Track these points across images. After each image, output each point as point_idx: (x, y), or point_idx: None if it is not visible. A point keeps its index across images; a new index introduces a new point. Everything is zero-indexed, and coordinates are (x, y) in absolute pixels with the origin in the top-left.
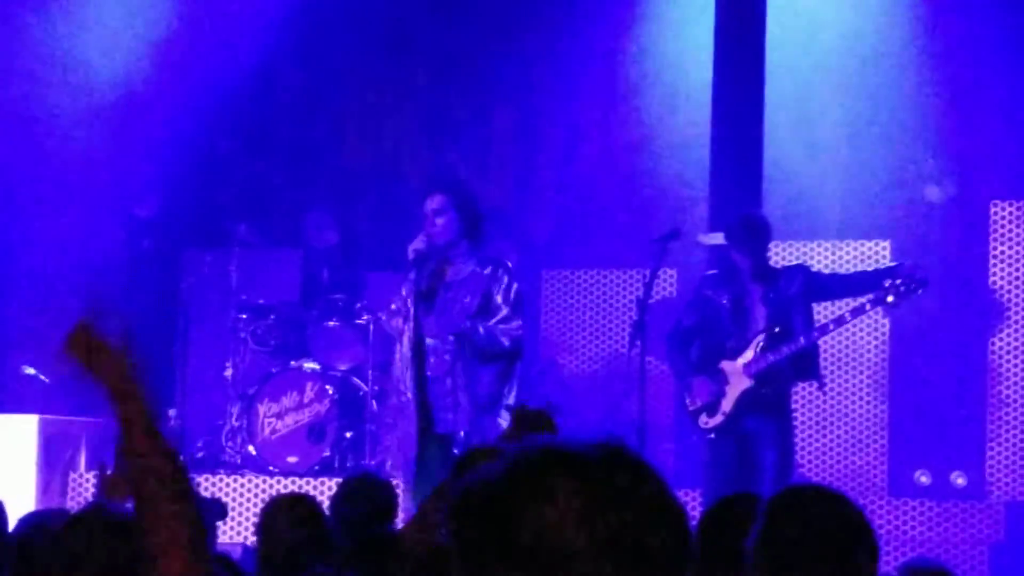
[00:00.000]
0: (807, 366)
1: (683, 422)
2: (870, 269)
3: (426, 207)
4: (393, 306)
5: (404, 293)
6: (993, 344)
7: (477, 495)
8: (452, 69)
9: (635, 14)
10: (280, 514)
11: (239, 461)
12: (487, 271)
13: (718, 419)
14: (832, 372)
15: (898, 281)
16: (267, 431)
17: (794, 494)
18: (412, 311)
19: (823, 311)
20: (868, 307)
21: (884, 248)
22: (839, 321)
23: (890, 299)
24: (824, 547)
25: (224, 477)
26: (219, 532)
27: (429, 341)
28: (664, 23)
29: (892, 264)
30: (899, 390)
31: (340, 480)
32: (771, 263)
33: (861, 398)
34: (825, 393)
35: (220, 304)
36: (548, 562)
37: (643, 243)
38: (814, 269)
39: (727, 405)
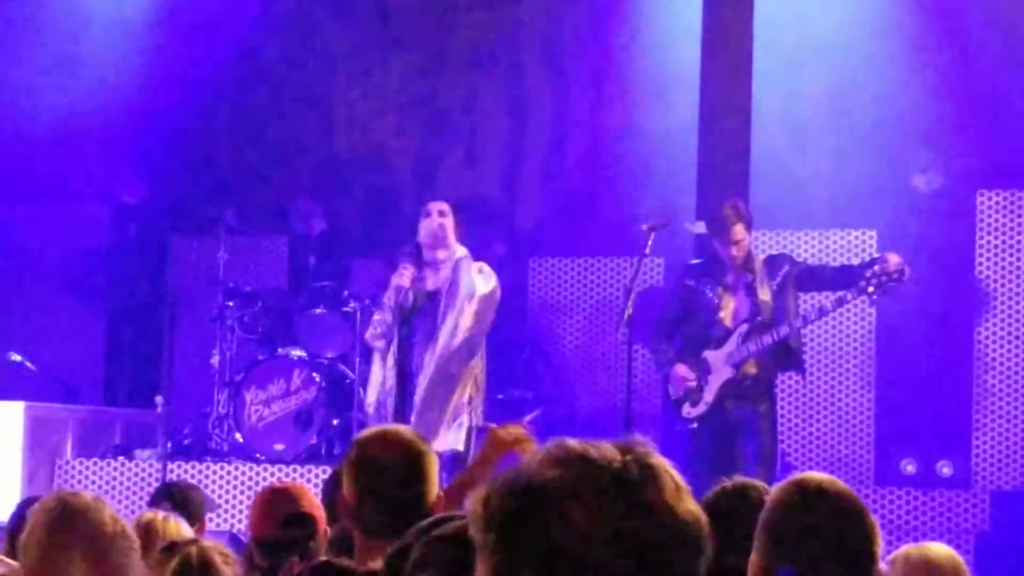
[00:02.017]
0: (790, 357)
1: (669, 411)
2: (855, 263)
3: (429, 207)
4: (377, 329)
5: (389, 319)
6: (979, 333)
7: (511, 497)
8: (439, 57)
9: (625, 3)
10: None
11: (226, 449)
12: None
13: (700, 408)
14: (818, 361)
15: (879, 269)
16: (254, 419)
17: (798, 484)
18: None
19: (807, 300)
20: (850, 297)
21: (871, 237)
22: (821, 311)
23: (871, 289)
24: (828, 538)
25: (211, 465)
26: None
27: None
28: (652, 11)
29: (876, 256)
30: (885, 379)
31: (327, 468)
32: (754, 252)
33: (847, 387)
34: (807, 383)
35: (207, 291)
36: (572, 567)
37: (630, 231)
38: (799, 259)
39: (710, 394)
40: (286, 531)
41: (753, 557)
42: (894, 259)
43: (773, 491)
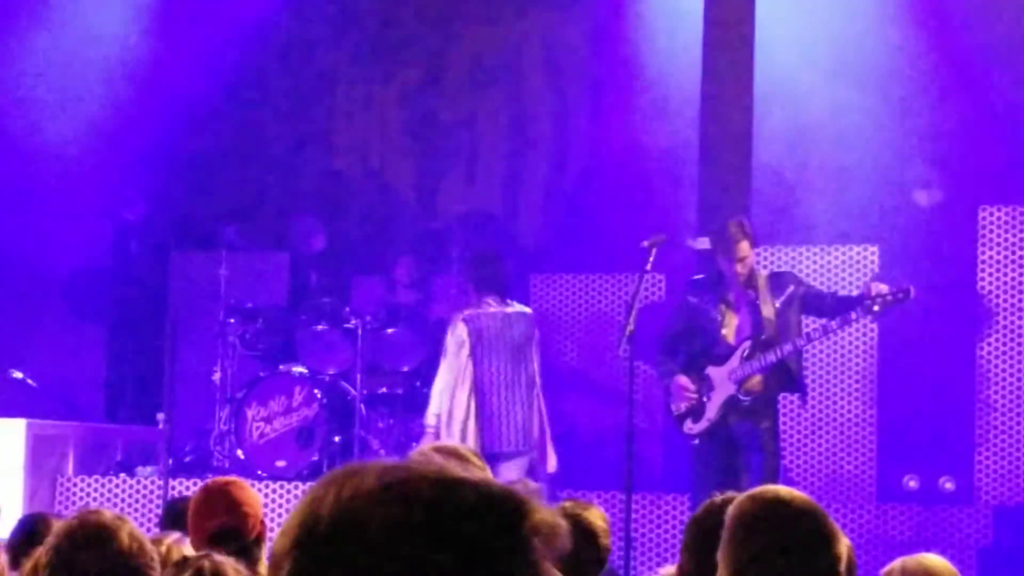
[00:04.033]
0: (789, 379)
1: (671, 427)
2: (854, 295)
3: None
4: None
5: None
6: (981, 349)
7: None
8: (440, 73)
9: (623, 19)
10: None
11: (227, 465)
12: None
13: (703, 424)
14: (821, 377)
15: (884, 289)
16: (255, 435)
17: (754, 499)
18: None
19: (811, 319)
20: (855, 316)
21: (873, 253)
22: (825, 330)
23: (876, 308)
24: (788, 547)
25: None
26: None
27: None
28: (653, 28)
29: (864, 291)
30: (888, 395)
31: None
32: (757, 269)
33: (850, 403)
34: (807, 409)
35: (208, 308)
36: None
37: (632, 247)
38: (804, 279)
39: (712, 411)
40: (213, 548)
41: (720, 574)
42: (878, 286)
43: (731, 508)
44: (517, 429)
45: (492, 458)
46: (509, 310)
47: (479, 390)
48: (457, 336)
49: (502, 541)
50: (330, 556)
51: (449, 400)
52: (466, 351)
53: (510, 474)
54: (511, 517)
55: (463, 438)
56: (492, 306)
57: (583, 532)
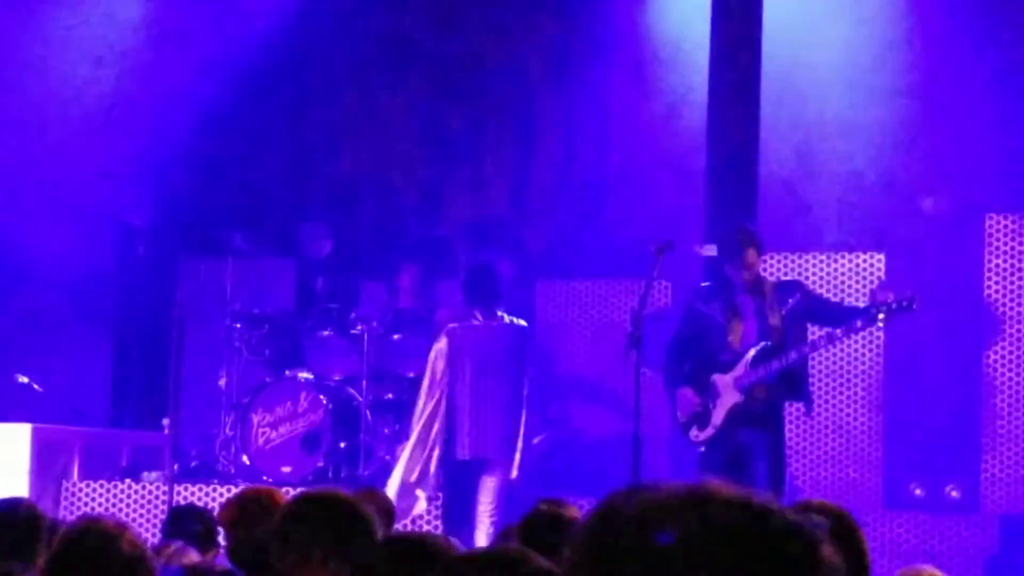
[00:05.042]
0: (795, 387)
1: (677, 434)
2: (860, 306)
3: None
4: None
5: None
6: (988, 357)
7: None
8: (448, 79)
9: (631, 26)
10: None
11: (233, 471)
12: None
13: (708, 432)
14: (827, 384)
15: (889, 297)
16: (261, 441)
17: None
18: None
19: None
20: (860, 324)
21: (879, 261)
22: (830, 338)
23: (882, 316)
24: None
25: (218, 487)
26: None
27: None
28: (659, 35)
29: (872, 301)
30: (894, 402)
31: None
32: (763, 276)
33: (856, 410)
34: (812, 417)
35: (214, 313)
36: None
37: (638, 254)
38: (811, 287)
39: (718, 418)
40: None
41: None
42: (884, 294)
43: None
44: (492, 438)
45: (462, 465)
46: (495, 323)
47: (453, 399)
48: (438, 348)
49: (796, 572)
50: (628, 561)
51: (422, 407)
52: (443, 362)
53: (489, 482)
54: (807, 550)
55: (432, 445)
56: (478, 319)
57: (566, 527)
